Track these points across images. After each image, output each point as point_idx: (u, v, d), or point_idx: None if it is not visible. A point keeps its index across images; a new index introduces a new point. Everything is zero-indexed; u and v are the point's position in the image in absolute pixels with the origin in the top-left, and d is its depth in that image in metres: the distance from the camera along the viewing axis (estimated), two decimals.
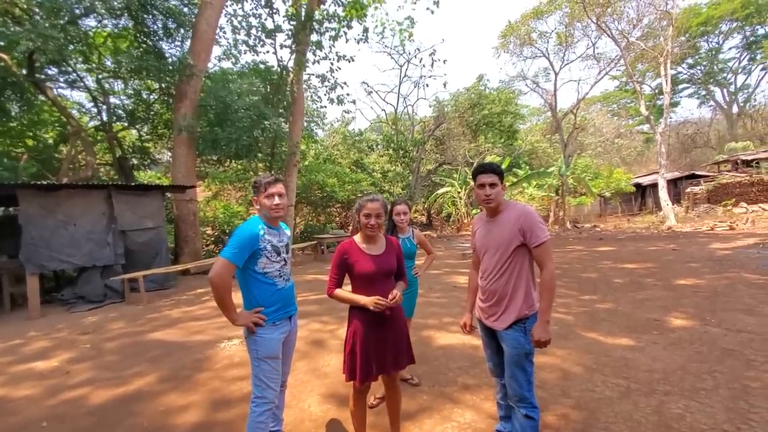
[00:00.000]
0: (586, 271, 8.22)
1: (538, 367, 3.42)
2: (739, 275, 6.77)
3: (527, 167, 25.61)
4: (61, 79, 11.55)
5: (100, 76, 12.01)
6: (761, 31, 31.52)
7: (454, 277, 8.44)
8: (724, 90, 36.54)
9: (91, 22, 11.56)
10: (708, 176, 24.51)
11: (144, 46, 11.47)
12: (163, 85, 11.76)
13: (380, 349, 2.16)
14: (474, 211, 24.19)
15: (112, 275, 7.93)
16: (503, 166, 22.01)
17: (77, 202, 7.90)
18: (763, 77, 34.68)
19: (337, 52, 14.77)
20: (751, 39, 32.19)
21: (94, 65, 11.64)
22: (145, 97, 13.32)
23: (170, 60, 11.41)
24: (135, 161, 13.52)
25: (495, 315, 2.18)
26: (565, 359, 3.67)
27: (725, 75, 35.74)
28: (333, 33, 14.24)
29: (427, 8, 16.23)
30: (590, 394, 2.99)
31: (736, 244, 10.41)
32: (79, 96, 14.06)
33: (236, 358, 4.11)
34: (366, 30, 15.35)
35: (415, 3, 17.02)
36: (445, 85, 36.19)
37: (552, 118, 27.88)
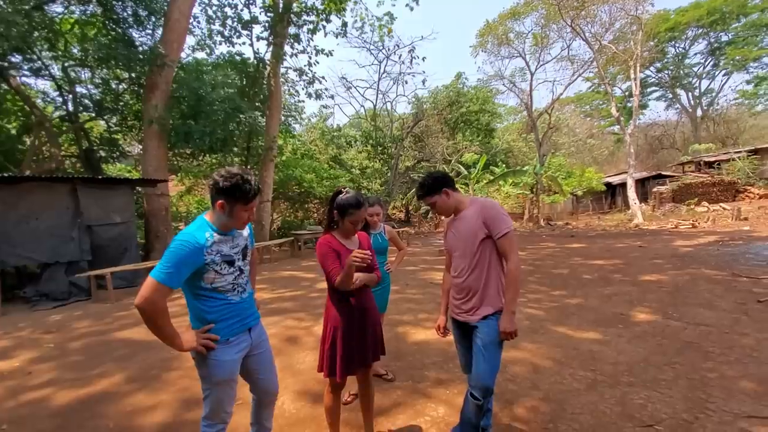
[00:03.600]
0: (558, 267, 8.45)
1: (510, 362, 3.52)
2: (699, 271, 7.10)
3: (504, 165, 26.10)
4: (25, 67, 10.94)
5: (66, 65, 11.43)
6: (725, 38, 33.02)
7: (430, 273, 8.52)
8: (689, 94, 38.09)
9: (57, 8, 11.05)
10: (673, 176, 25.56)
11: (113, 33, 10.99)
12: (133, 75, 11.32)
13: (362, 340, 2.19)
14: None
15: (78, 272, 7.60)
16: (480, 164, 22.35)
17: (40, 196, 7.57)
18: (725, 82, 36.35)
19: (315, 46, 14.62)
20: (715, 45, 33.67)
21: (60, 53, 11.08)
22: (113, 86, 12.81)
23: (141, 49, 10.98)
24: (103, 153, 12.98)
25: (471, 310, 2.19)
26: (535, 353, 3.76)
27: (690, 79, 37.25)
28: (311, 26, 14.08)
29: (407, 5, 16.20)
30: (559, 386, 3.09)
31: (697, 242, 10.91)
32: (43, 85, 13.36)
33: None
34: (345, 24, 15.22)
35: None
36: (424, 83, 36.41)
37: (528, 117, 28.41)
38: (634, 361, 3.48)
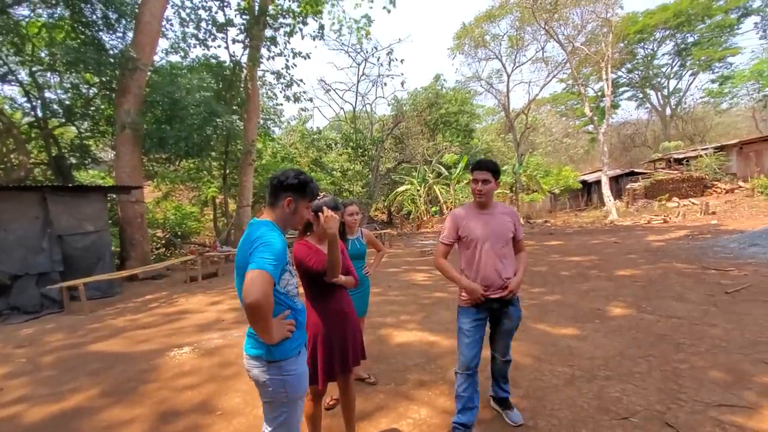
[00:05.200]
0: (537, 264, 8.60)
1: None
2: (671, 265, 7.36)
3: None
4: None
5: (33, 69, 11.04)
6: (690, 39, 34.31)
7: (413, 274, 8.55)
8: (659, 93, 39.40)
9: (23, 11, 10.68)
10: (645, 173, 26.34)
11: (82, 37, 10.67)
12: (104, 79, 11.02)
13: (343, 346, 2.20)
14: (433, 209, 24.64)
15: (49, 283, 7.33)
16: (461, 164, 22.59)
17: (8, 206, 7.33)
18: (692, 82, 37.78)
19: (292, 49, 14.54)
20: (681, 46, 34.93)
21: (27, 57, 10.70)
22: (84, 91, 12.42)
23: (111, 52, 10.70)
24: (74, 160, 12.56)
25: (499, 295, 2.44)
26: (515, 351, 3.77)
27: (659, 79, 38.54)
28: (288, 29, 14.00)
29: (384, 7, 16.28)
30: (538, 383, 3.14)
31: (669, 236, 11.29)
32: (10, 90, 12.85)
33: (187, 366, 3.94)
34: (322, 27, 15.18)
35: (372, 1, 17.03)
36: (402, 84, 36.50)
37: (505, 118, 28.91)
38: (610, 355, 3.58)
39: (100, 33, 11.03)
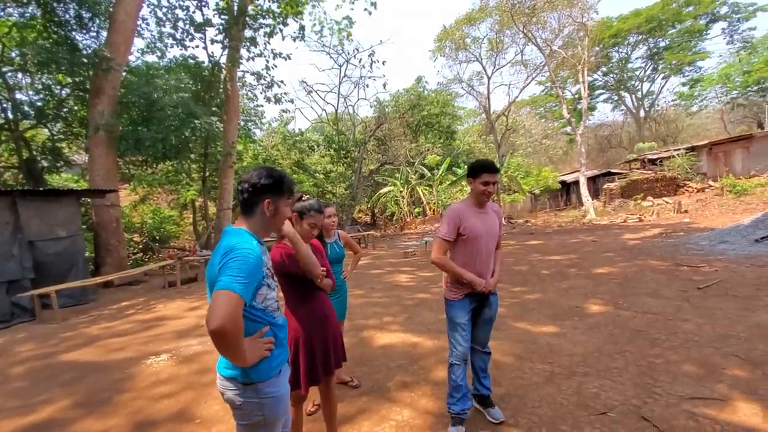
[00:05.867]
0: (518, 264, 8.73)
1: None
2: (646, 263, 7.56)
3: (465, 166, 26.70)
4: None
5: (3, 70, 10.65)
6: (662, 44, 35.50)
7: (396, 275, 8.56)
8: (633, 96, 40.61)
9: None
10: (621, 173, 27.02)
11: (54, 36, 10.35)
12: (77, 80, 10.69)
13: (324, 349, 2.19)
14: (417, 210, 24.74)
15: (20, 291, 7.05)
16: (443, 166, 22.75)
17: None
18: (664, 85, 39.13)
19: (272, 50, 14.40)
20: (654, 50, 36.12)
21: None
22: (56, 92, 12.03)
23: (85, 52, 10.40)
24: (45, 163, 12.14)
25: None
26: (497, 350, 3.84)
27: (633, 82, 39.75)
28: (268, 29, 13.86)
29: (365, 9, 16.31)
30: (519, 381, 3.18)
31: (644, 235, 11.61)
32: None
33: (164, 374, 3.84)
34: (302, 28, 15.09)
35: (353, 3, 17.03)
36: (384, 86, 36.34)
37: (486, 119, 29.27)
38: (589, 351, 3.65)
39: (73, 32, 10.73)
